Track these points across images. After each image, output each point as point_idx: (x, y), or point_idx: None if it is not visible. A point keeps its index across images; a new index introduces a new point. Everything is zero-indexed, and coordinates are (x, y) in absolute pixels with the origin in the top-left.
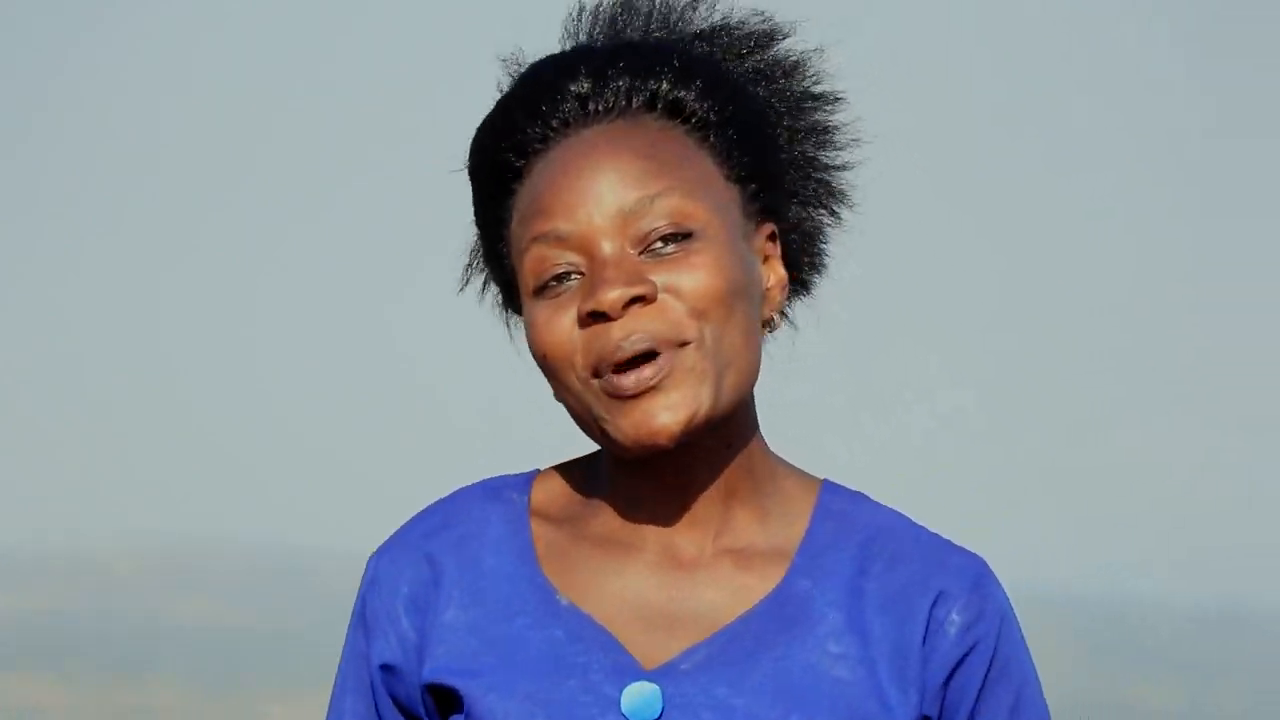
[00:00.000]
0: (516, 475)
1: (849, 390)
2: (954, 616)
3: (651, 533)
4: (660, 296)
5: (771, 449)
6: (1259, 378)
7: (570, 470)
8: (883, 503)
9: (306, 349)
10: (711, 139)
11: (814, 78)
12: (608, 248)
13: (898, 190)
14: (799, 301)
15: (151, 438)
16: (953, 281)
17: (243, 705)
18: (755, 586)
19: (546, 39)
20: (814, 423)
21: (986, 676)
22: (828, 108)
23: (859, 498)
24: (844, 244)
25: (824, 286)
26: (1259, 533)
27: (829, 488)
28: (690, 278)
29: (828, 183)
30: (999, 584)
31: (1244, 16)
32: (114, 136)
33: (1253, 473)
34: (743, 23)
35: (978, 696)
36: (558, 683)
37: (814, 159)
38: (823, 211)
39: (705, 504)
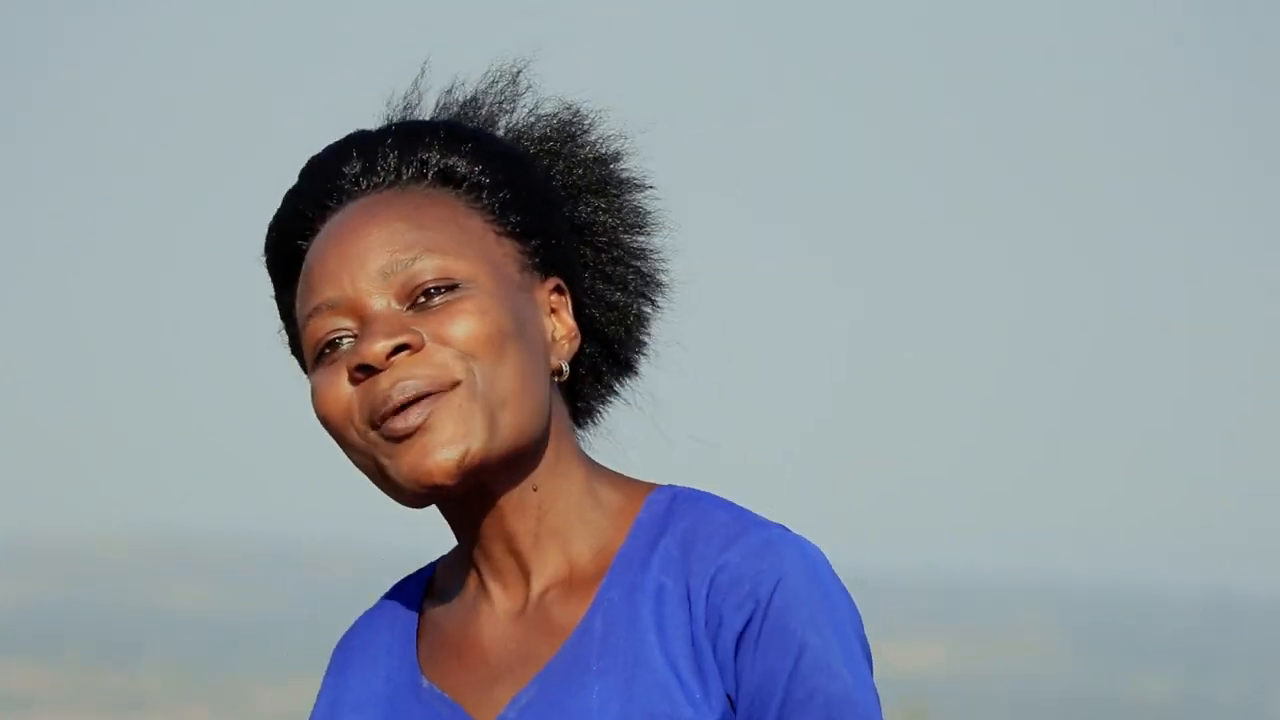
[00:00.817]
0: (432, 562)
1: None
2: (727, 595)
3: (491, 589)
4: (428, 345)
5: (607, 468)
6: (1256, 376)
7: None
8: (719, 496)
9: None
10: (484, 199)
11: (621, 164)
12: (376, 305)
13: None
14: (629, 384)
15: (145, 429)
16: (962, 299)
17: (231, 691)
18: (573, 616)
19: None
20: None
21: (759, 645)
22: (635, 194)
23: (682, 498)
24: (669, 329)
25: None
26: (1252, 525)
27: (655, 496)
28: (457, 324)
29: (640, 270)
30: (789, 549)
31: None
32: (112, 136)
33: (1249, 465)
34: (552, 115)
35: (752, 665)
36: None
37: (626, 244)
38: (641, 299)
39: (527, 548)
